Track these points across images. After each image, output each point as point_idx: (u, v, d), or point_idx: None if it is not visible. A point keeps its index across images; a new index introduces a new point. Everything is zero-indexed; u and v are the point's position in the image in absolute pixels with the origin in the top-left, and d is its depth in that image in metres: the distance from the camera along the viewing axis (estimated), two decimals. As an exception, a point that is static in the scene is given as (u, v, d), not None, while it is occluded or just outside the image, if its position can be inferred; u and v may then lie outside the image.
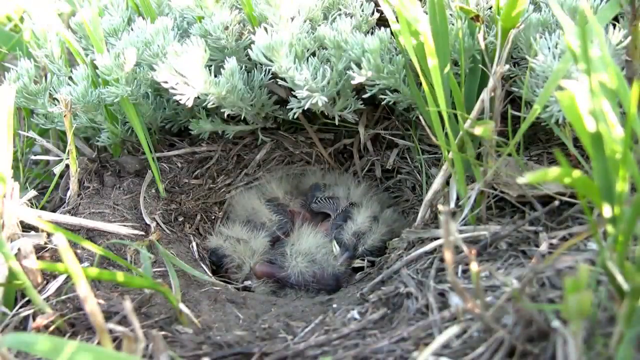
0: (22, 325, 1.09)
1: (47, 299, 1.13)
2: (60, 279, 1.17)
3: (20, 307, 1.12)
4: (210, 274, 1.41)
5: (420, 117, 1.22)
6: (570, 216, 1.13)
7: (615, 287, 0.80)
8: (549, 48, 1.16)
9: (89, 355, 0.78)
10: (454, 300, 0.99)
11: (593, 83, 0.79)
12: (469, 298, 0.89)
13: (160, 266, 1.26)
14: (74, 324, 1.08)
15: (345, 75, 1.34)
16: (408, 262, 1.14)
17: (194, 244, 1.47)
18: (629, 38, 1.10)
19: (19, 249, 1.12)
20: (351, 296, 1.18)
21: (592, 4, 1.22)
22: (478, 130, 1.06)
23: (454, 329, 0.93)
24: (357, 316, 1.08)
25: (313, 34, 1.35)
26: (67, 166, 1.45)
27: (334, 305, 1.15)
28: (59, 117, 1.51)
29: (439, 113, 1.16)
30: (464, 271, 1.07)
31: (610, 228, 0.81)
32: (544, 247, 1.05)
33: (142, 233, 1.36)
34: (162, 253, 1.24)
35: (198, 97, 1.33)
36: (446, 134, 1.18)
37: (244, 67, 1.42)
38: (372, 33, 1.31)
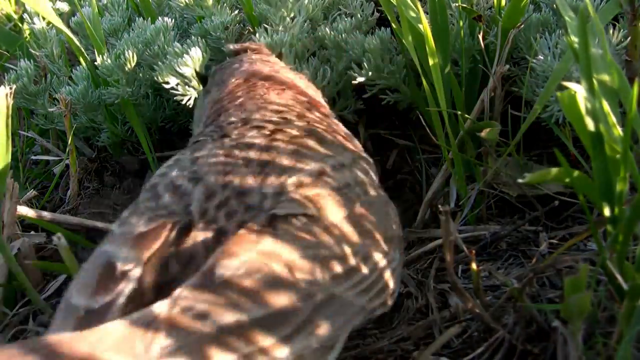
0: (22, 325, 1.09)
1: (47, 299, 1.13)
2: (60, 279, 1.17)
3: (20, 307, 1.12)
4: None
5: (420, 117, 1.22)
6: (570, 216, 1.13)
7: (615, 287, 0.80)
8: (549, 48, 1.16)
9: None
10: (454, 300, 0.99)
11: (593, 83, 0.79)
12: (469, 298, 0.89)
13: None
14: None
15: (345, 76, 1.34)
16: (408, 262, 1.14)
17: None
18: (629, 38, 1.10)
19: (19, 249, 1.12)
20: (351, 296, 1.18)
21: (593, 4, 1.21)
22: (483, 134, 1.07)
23: (454, 329, 0.93)
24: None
25: (313, 34, 1.35)
26: (67, 166, 1.45)
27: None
28: (58, 117, 1.51)
29: (439, 113, 1.16)
30: (464, 271, 1.07)
31: (610, 228, 0.81)
32: (544, 247, 1.05)
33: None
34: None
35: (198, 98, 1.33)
36: (446, 134, 1.18)
37: (244, 67, 1.42)
38: (372, 33, 1.31)
